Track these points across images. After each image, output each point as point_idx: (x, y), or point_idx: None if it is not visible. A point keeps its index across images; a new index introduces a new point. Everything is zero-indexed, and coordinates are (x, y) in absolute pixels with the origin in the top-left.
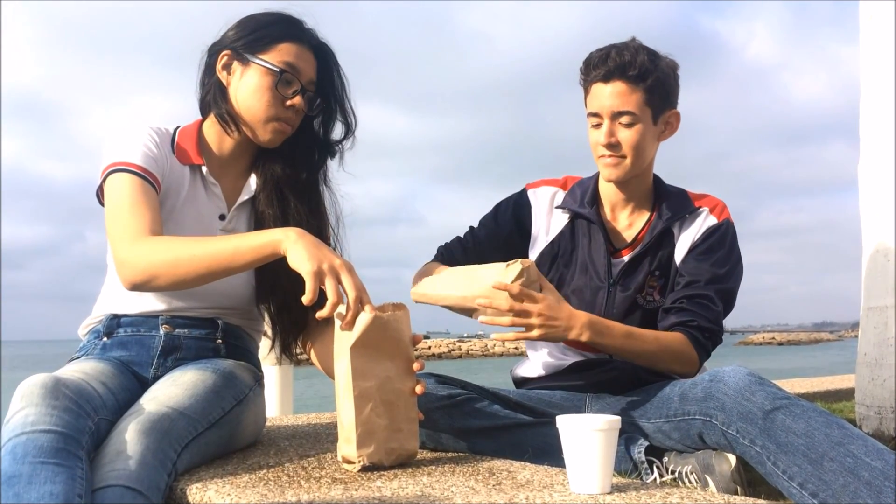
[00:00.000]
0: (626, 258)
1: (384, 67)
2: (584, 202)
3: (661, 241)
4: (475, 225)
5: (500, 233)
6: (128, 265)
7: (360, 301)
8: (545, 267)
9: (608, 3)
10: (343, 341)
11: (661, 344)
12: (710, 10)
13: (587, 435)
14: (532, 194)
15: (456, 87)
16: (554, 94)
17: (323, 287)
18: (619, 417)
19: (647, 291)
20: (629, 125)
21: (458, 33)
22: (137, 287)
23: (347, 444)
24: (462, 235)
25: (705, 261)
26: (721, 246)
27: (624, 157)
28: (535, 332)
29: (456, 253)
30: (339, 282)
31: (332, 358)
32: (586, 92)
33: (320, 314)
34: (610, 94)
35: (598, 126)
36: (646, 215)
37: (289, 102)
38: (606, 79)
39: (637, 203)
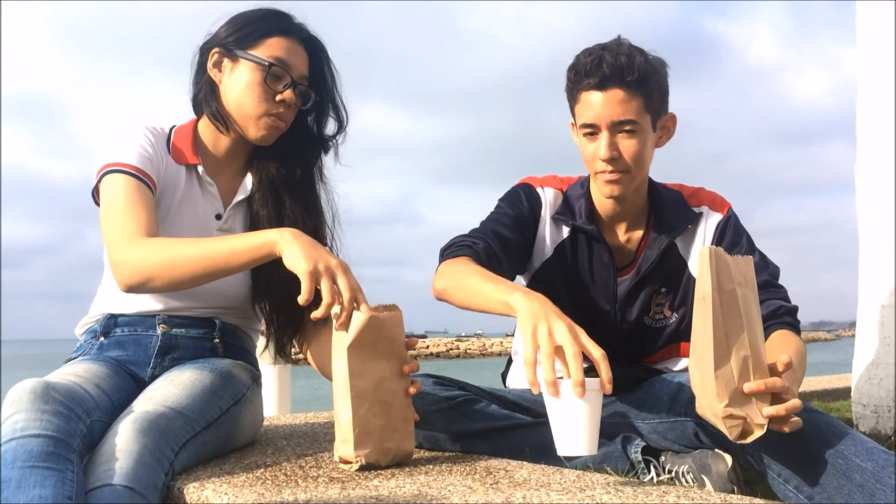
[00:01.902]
0: (628, 279)
1: (387, 66)
2: (582, 215)
3: (663, 257)
4: (491, 222)
5: (524, 227)
6: (124, 267)
7: (356, 301)
8: (549, 280)
9: (611, 4)
10: (340, 341)
11: (800, 357)
12: (713, 11)
13: (572, 397)
14: (541, 192)
15: (458, 86)
16: (556, 95)
17: (319, 287)
18: (599, 379)
19: (654, 311)
20: (631, 134)
21: (461, 33)
22: (133, 289)
23: (345, 445)
24: (491, 233)
25: (738, 253)
26: (739, 236)
27: (627, 170)
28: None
29: (497, 253)
30: (334, 282)
31: (328, 358)
32: (574, 100)
33: (315, 314)
34: (608, 103)
35: (593, 137)
36: (641, 228)
37: (279, 97)
38: (602, 86)
39: (633, 216)
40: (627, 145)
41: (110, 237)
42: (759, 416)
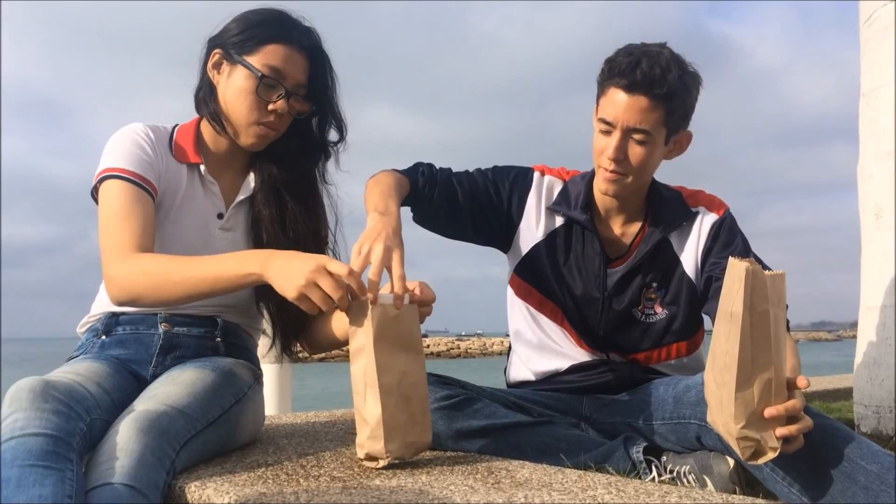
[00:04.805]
0: (620, 270)
1: (395, 68)
2: (577, 206)
3: (656, 251)
4: (462, 175)
5: (492, 200)
6: (112, 284)
7: (363, 290)
8: (540, 265)
9: (618, 6)
10: (362, 338)
11: (793, 350)
12: (720, 15)
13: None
14: (538, 179)
15: (465, 88)
16: (561, 97)
17: (314, 300)
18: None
19: (644, 304)
20: (641, 143)
21: (470, 36)
22: (123, 304)
23: (374, 441)
24: (446, 179)
25: (732, 254)
26: (733, 237)
27: (627, 174)
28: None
29: (449, 194)
30: (323, 287)
31: (323, 333)
32: (602, 92)
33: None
34: (629, 108)
35: (607, 133)
36: (638, 223)
37: (271, 106)
38: (630, 90)
39: (631, 211)
40: (636, 152)
41: (103, 248)
42: (774, 439)
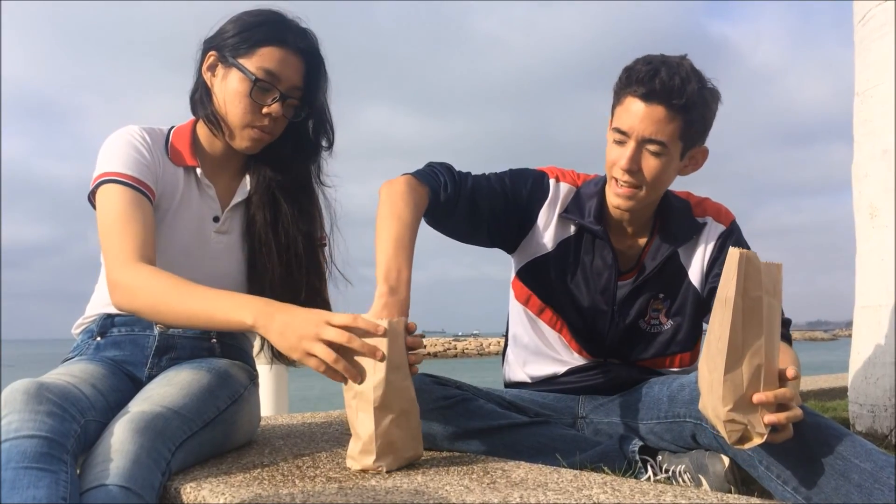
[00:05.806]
0: (628, 284)
1: (396, 69)
2: (591, 215)
3: (665, 263)
4: (483, 180)
5: (510, 209)
6: (117, 291)
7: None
8: (548, 274)
9: (619, 7)
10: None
11: (793, 357)
12: (719, 15)
13: None
14: (553, 186)
15: (465, 89)
16: (562, 98)
17: (319, 355)
18: None
19: (650, 315)
20: (656, 154)
21: (470, 37)
22: (124, 311)
23: (365, 456)
24: (470, 190)
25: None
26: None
27: (640, 187)
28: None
29: (455, 207)
30: (317, 355)
31: None
32: (618, 101)
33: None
34: (646, 117)
35: (621, 144)
36: (646, 234)
37: (265, 110)
38: (647, 99)
39: (640, 222)
40: (650, 164)
41: (106, 253)
42: (761, 425)
